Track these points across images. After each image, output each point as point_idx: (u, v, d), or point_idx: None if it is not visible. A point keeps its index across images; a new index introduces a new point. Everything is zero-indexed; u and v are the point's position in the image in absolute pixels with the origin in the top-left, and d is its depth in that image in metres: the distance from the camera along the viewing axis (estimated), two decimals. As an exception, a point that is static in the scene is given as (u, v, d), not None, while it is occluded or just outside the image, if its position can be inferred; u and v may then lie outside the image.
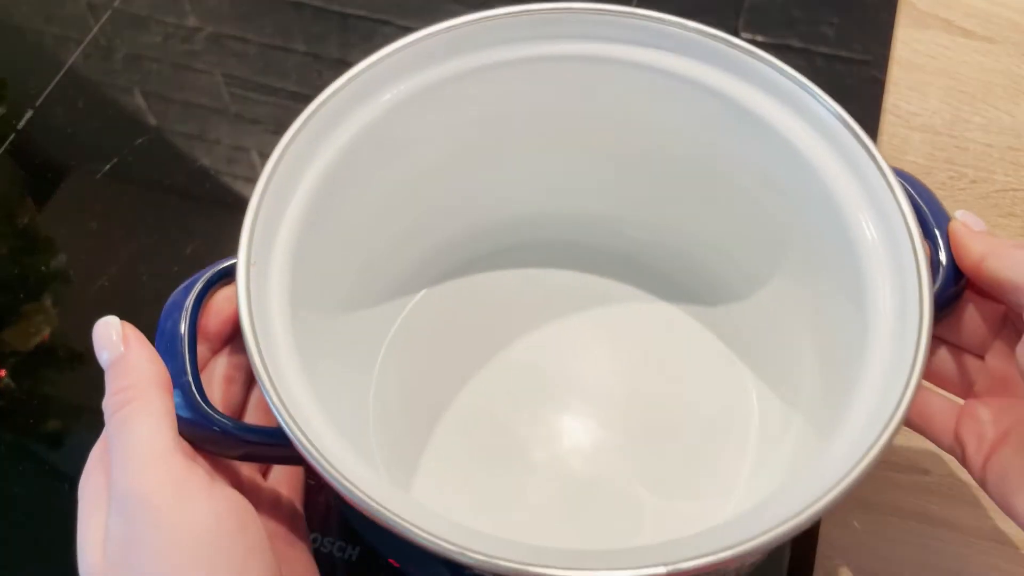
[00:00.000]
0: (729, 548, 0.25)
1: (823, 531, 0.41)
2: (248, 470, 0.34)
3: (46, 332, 0.48)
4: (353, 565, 0.41)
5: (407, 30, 0.38)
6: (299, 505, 0.35)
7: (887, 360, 0.30)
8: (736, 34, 0.58)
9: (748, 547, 0.25)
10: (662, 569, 0.25)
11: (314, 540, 0.41)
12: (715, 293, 0.43)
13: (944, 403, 0.34)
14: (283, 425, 0.28)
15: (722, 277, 0.43)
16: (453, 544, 0.26)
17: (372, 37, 0.59)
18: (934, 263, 0.33)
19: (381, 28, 0.59)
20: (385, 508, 0.26)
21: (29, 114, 0.56)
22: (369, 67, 0.35)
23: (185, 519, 0.27)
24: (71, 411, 0.46)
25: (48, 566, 0.41)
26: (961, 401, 0.34)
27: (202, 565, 0.26)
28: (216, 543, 0.27)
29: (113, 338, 0.30)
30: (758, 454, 0.40)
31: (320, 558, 0.41)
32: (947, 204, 0.50)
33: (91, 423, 0.46)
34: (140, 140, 0.55)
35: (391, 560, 0.34)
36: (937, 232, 0.34)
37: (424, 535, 0.26)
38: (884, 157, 0.55)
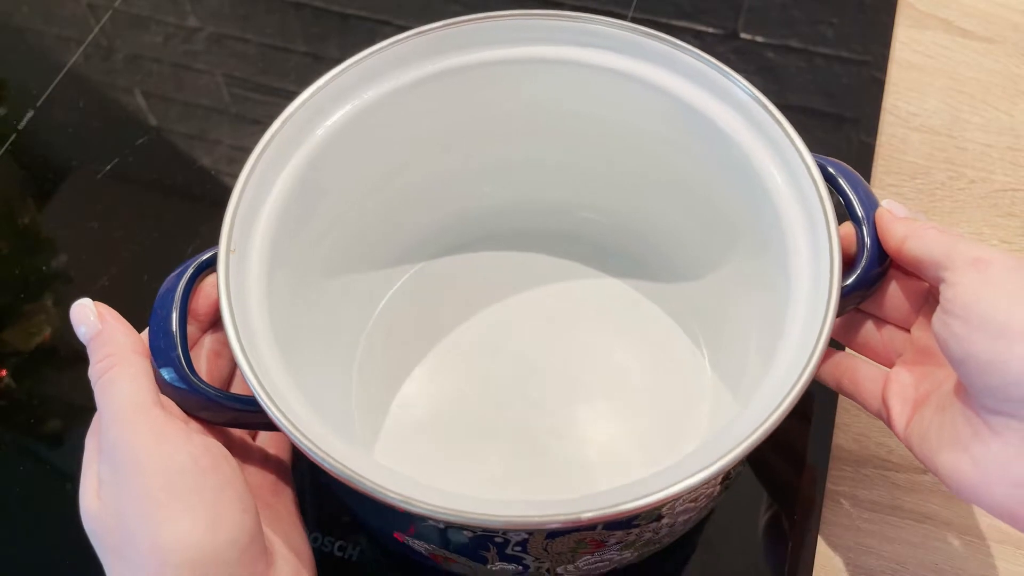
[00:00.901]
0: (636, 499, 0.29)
1: (823, 530, 0.41)
2: (238, 432, 0.37)
3: (47, 332, 0.48)
4: (354, 565, 0.41)
5: (407, 31, 0.38)
6: (287, 460, 0.38)
7: (803, 322, 0.33)
8: (736, 35, 0.58)
9: (659, 496, 0.29)
10: (590, 514, 0.28)
11: (315, 539, 0.41)
12: (673, 274, 0.45)
13: (873, 371, 0.37)
14: (255, 392, 0.31)
15: (678, 259, 0.45)
16: (395, 493, 0.29)
17: (372, 38, 0.59)
18: (860, 244, 0.36)
19: (381, 28, 0.60)
20: (343, 464, 0.29)
21: (30, 114, 0.56)
22: (348, 68, 0.38)
23: (164, 462, 0.30)
24: (72, 411, 0.46)
25: (49, 564, 0.41)
26: (888, 370, 0.37)
27: (180, 499, 0.29)
28: (191, 481, 0.30)
29: (91, 317, 0.34)
30: (710, 428, 0.41)
31: (321, 558, 0.41)
32: (946, 204, 0.50)
33: (91, 422, 0.46)
34: (141, 140, 0.55)
35: (396, 534, 0.35)
36: (864, 217, 0.36)
37: (376, 487, 0.29)
38: (883, 157, 0.55)
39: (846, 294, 0.35)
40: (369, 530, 0.40)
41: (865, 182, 0.37)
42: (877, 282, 0.36)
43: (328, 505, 0.42)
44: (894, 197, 0.50)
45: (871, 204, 0.36)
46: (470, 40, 0.39)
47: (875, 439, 0.43)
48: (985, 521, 0.41)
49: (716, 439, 0.31)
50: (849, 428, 0.44)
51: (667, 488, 0.29)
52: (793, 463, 0.43)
